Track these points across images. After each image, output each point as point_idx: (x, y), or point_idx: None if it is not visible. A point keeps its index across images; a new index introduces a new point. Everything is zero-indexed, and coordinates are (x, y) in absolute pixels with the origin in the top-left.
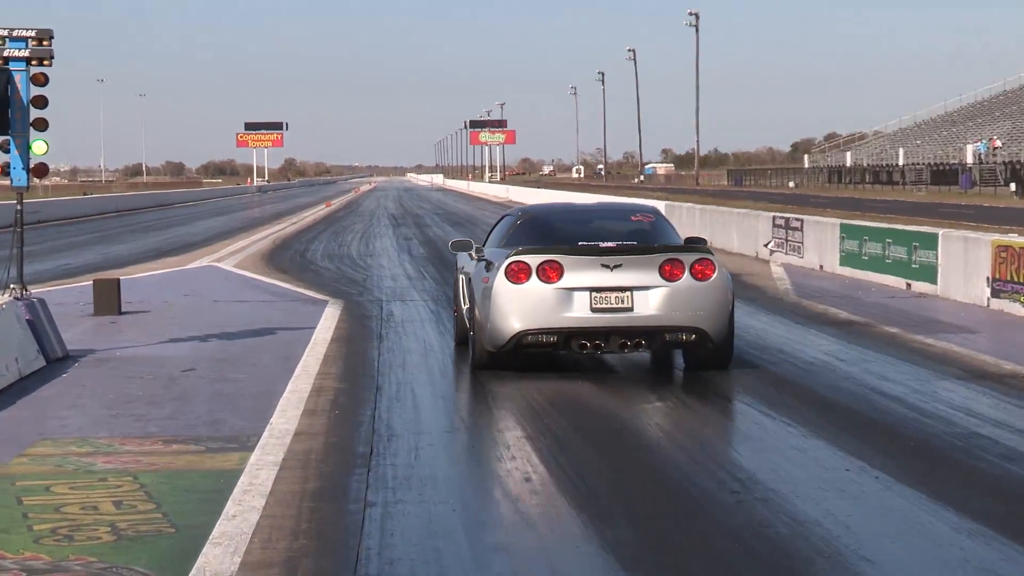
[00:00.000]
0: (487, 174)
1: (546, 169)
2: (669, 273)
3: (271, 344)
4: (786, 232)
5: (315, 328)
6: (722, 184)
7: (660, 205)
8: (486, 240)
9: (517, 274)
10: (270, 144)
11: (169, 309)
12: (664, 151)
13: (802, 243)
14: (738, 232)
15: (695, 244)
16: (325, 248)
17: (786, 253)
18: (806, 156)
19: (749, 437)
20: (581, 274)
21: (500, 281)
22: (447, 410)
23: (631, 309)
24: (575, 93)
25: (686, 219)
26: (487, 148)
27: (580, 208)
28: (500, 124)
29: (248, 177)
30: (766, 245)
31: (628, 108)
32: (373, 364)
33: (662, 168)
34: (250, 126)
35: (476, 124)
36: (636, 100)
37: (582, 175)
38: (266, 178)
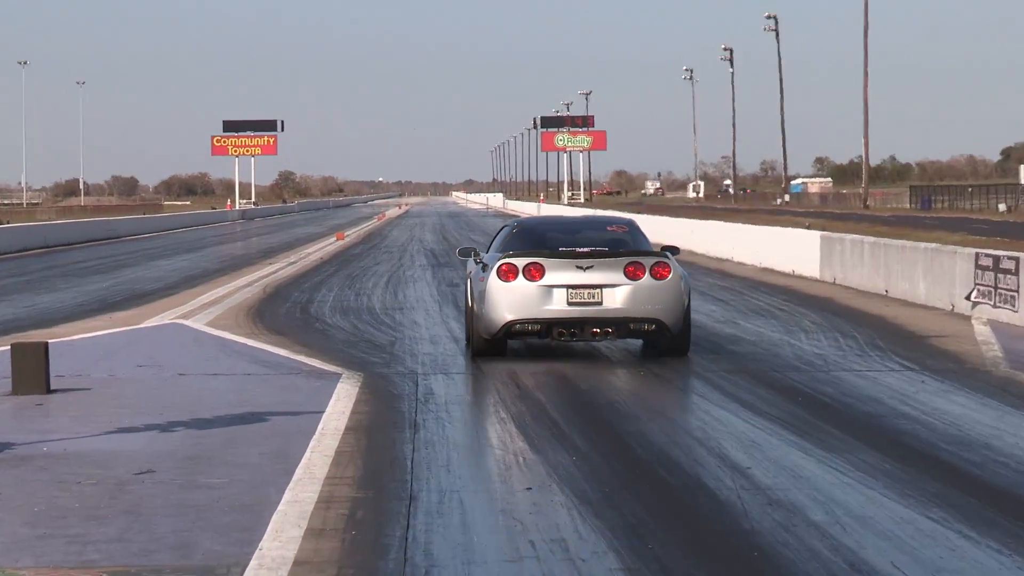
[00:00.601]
0: (566, 193)
1: (650, 186)
2: (632, 273)
3: (261, 435)
4: (995, 276)
5: (323, 413)
6: (902, 207)
7: (812, 238)
8: (489, 248)
9: (507, 273)
10: (258, 151)
11: (117, 385)
12: (818, 160)
13: (1018, 291)
14: (926, 276)
15: (653, 251)
16: (337, 298)
17: (995, 306)
18: (1022, 168)
19: None
20: (559, 274)
21: (493, 279)
22: (510, 530)
23: (600, 303)
24: (692, 78)
25: (850, 256)
26: (566, 156)
27: (565, 220)
28: (584, 122)
29: (228, 198)
30: (968, 297)
31: (760, 102)
32: (405, 464)
33: (815, 184)
34: (231, 126)
35: (550, 122)
36: (779, 87)
37: (701, 194)
38: (253, 199)
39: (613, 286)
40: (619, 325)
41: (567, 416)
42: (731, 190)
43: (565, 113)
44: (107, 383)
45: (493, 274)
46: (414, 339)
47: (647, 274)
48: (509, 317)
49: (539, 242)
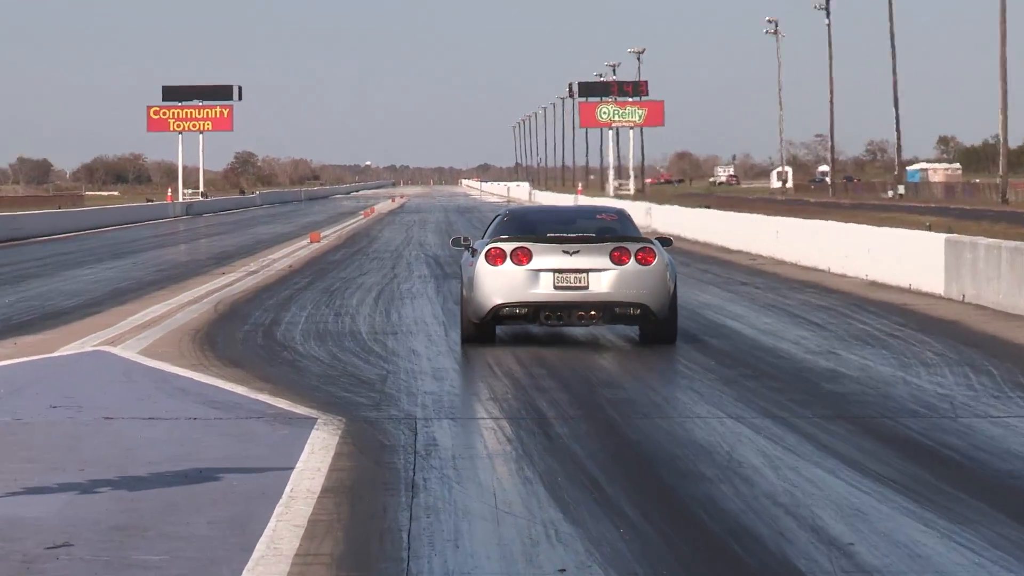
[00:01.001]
0: (611, 182)
1: (721, 173)
2: (617, 259)
3: (211, 499)
4: None
5: (292, 470)
6: None
7: (935, 243)
8: (483, 236)
9: (495, 258)
10: (209, 126)
11: (24, 432)
12: (943, 142)
13: None
14: None
15: (639, 237)
16: (311, 319)
17: None
18: None
19: None
20: (546, 258)
21: (481, 263)
22: None
23: (587, 287)
24: (776, 32)
25: (984, 267)
26: (611, 134)
27: (555, 208)
28: (636, 89)
29: (169, 187)
30: None
31: (866, 65)
32: (399, 538)
33: (939, 171)
34: (173, 94)
35: (591, 89)
36: (890, 44)
37: (789, 183)
38: (202, 189)
39: (599, 270)
40: (605, 309)
41: (611, 474)
42: (828, 178)
43: (611, 78)
44: (10, 429)
45: (481, 258)
46: (412, 373)
47: (632, 259)
48: (497, 300)
49: (529, 229)
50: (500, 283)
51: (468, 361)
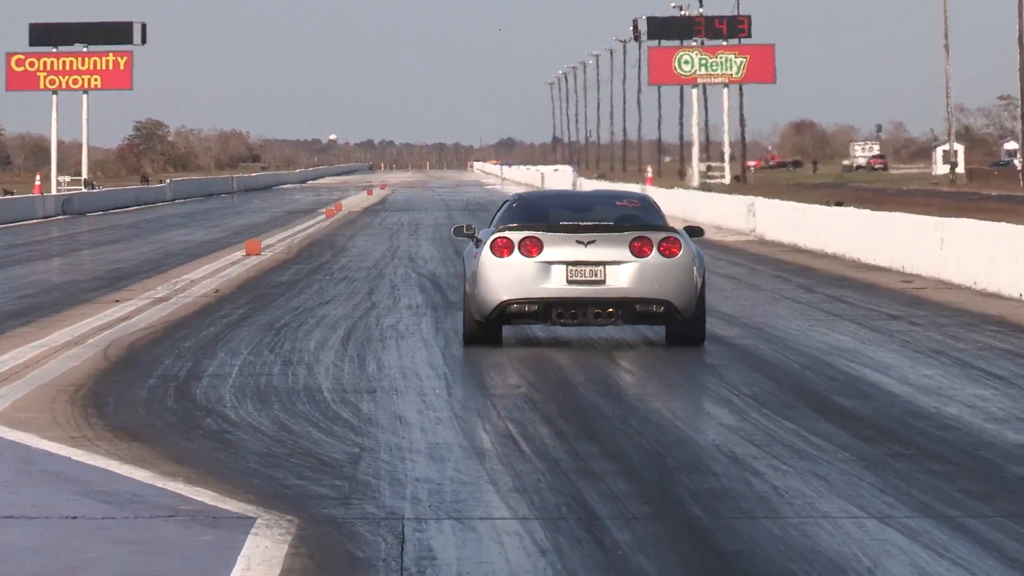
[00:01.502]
0: (695, 165)
1: (860, 153)
2: (638, 250)
3: None
4: None
5: None
6: None
7: None
8: (489, 225)
9: (501, 248)
10: (97, 82)
11: None
12: None
13: None
14: None
15: (663, 226)
16: (247, 370)
17: None
18: None
19: None
20: (558, 249)
21: (486, 254)
22: None
23: (603, 282)
24: None
25: None
26: (696, 94)
27: (569, 193)
28: (732, 29)
29: (38, 172)
30: None
31: None
32: None
33: None
34: (44, 35)
35: (665, 29)
36: None
37: (959, 167)
38: (85, 176)
39: (617, 263)
40: (624, 306)
41: None
42: (1018, 160)
43: (695, 12)
44: None
45: (486, 249)
46: (398, 451)
47: (654, 251)
48: (503, 296)
49: (540, 216)
50: (507, 277)
51: (485, 426)
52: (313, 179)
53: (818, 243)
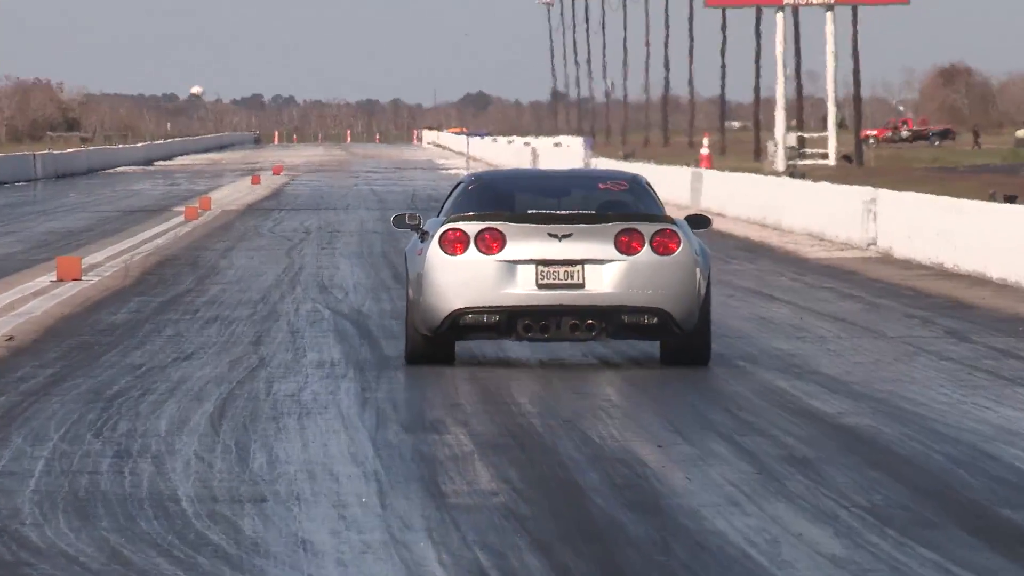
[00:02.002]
0: (780, 137)
1: None
2: (626, 245)
3: None
4: None
5: None
6: None
7: None
8: (438, 214)
9: (453, 244)
10: None
11: None
12: None
13: None
14: None
15: (657, 215)
16: (57, 467)
17: None
18: None
19: None
20: (525, 244)
21: (434, 251)
22: None
23: (582, 286)
24: None
25: None
26: (779, 21)
27: (540, 174)
28: None
29: None
30: None
31: None
32: None
33: None
34: None
35: None
36: None
37: None
38: None
39: (600, 262)
40: (608, 317)
41: None
42: None
43: None
44: None
45: (435, 244)
46: None
47: (646, 246)
48: (456, 304)
49: (503, 203)
50: (461, 280)
51: (442, 557)
52: (165, 158)
53: (977, 263)
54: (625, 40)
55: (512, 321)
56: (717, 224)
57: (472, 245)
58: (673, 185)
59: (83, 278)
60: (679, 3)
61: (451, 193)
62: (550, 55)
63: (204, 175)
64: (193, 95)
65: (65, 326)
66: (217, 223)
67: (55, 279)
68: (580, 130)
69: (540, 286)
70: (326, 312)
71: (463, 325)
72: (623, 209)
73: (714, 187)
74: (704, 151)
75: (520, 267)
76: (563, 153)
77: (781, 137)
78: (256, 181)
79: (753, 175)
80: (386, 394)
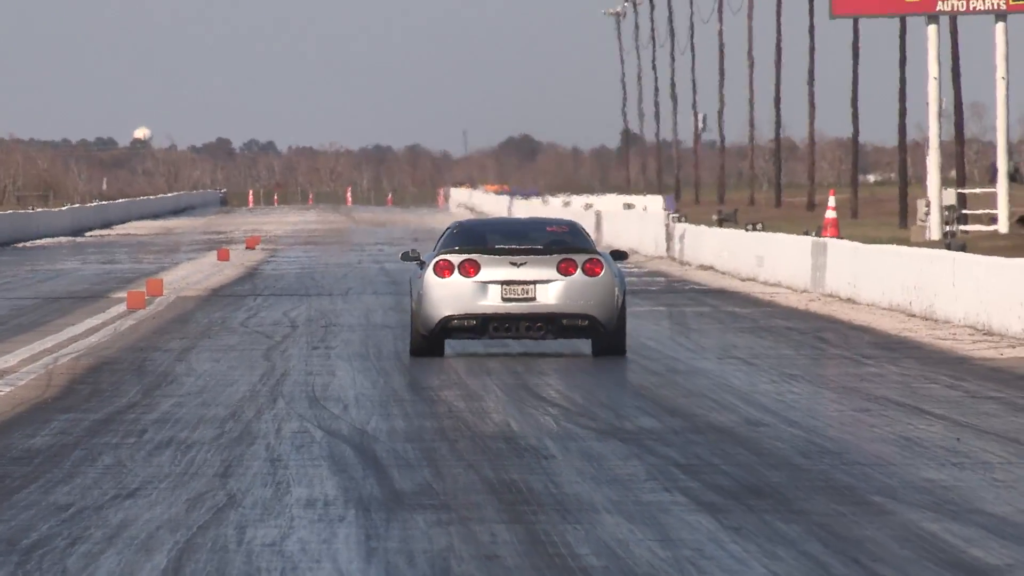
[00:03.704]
0: (933, 193)
1: None
2: (564, 270)
3: None
4: None
5: None
6: None
7: None
8: (433, 250)
9: (443, 270)
10: None
11: None
12: None
13: None
14: None
15: (586, 248)
16: None
17: None
18: None
19: None
20: (494, 270)
21: (429, 275)
22: None
23: (534, 299)
24: None
25: None
26: (930, 35)
27: (504, 220)
28: None
29: None
30: None
31: None
32: None
33: None
34: None
35: None
36: None
37: None
38: None
39: (546, 282)
40: (552, 321)
41: None
42: None
43: None
44: None
45: (430, 270)
46: None
47: (579, 270)
48: (445, 312)
49: (478, 241)
50: (448, 295)
51: None
52: (100, 226)
53: None
54: (722, 62)
55: (485, 324)
56: (845, 314)
57: (456, 271)
58: (788, 261)
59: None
60: (794, 12)
61: (442, 236)
62: (620, 84)
63: (153, 249)
64: (137, 140)
65: None
66: (171, 314)
67: None
68: (659, 185)
69: (504, 299)
70: (318, 433)
71: (450, 327)
72: (564, 245)
73: (843, 262)
74: (830, 214)
75: (490, 286)
76: (636, 219)
77: (935, 194)
78: (224, 257)
79: (896, 246)
80: (399, 543)
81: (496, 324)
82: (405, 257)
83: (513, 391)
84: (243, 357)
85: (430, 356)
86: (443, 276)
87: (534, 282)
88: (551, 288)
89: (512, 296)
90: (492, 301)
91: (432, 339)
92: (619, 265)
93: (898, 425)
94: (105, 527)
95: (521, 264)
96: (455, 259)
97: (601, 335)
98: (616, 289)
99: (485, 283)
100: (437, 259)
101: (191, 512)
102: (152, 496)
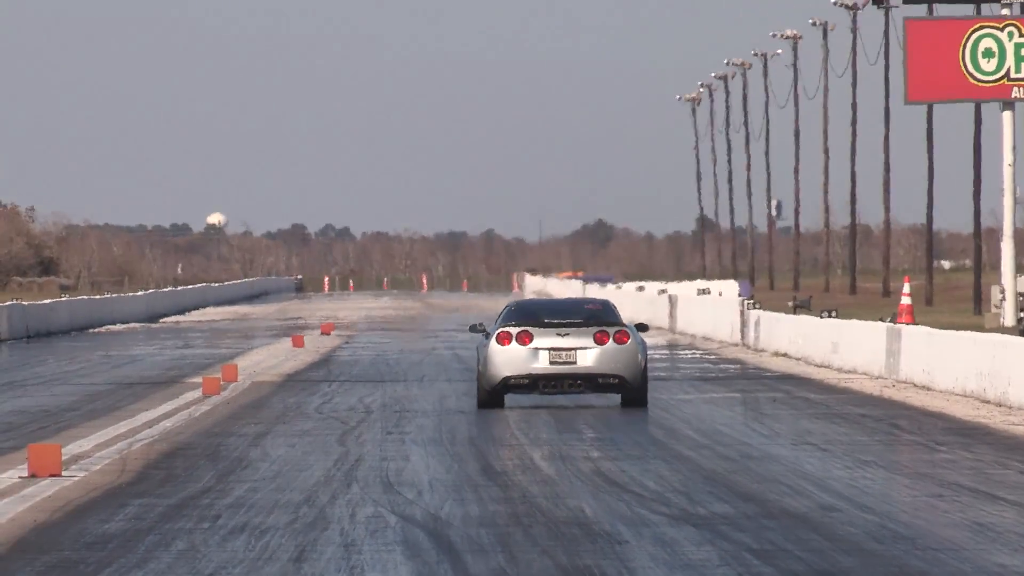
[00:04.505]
0: (1008, 280)
1: None
2: (599, 339)
3: None
4: None
5: None
6: None
7: None
8: (495, 323)
9: (504, 339)
10: None
11: None
12: None
13: None
14: None
15: (616, 321)
16: None
17: None
18: None
19: None
20: (544, 339)
21: (493, 344)
22: None
23: (575, 362)
24: None
25: None
26: (1006, 121)
27: (552, 300)
28: None
29: None
30: None
31: None
32: None
33: None
34: None
35: None
36: None
37: None
38: None
39: (585, 348)
40: (589, 380)
41: None
42: None
43: None
44: None
45: (493, 340)
46: None
47: (611, 340)
48: (505, 373)
49: (531, 316)
50: (508, 359)
51: None
52: (174, 312)
53: None
54: (797, 148)
55: (536, 383)
56: (920, 400)
57: (514, 340)
58: (862, 347)
59: (64, 473)
60: (870, 99)
61: (502, 312)
62: (696, 170)
63: (228, 335)
64: (211, 226)
65: (39, 538)
66: (246, 399)
67: (26, 475)
68: (733, 271)
69: (551, 363)
70: (392, 518)
71: (509, 385)
72: (598, 319)
73: (917, 349)
74: (905, 300)
75: (540, 352)
76: (711, 305)
77: (1009, 281)
78: (299, 343)
79: (970, 333)
80: None
81: (544, 382)
82: (473, 329)
83: (587, 477)
84: (318, 442)
85: (492, 407)
86: (503, 344)
87: (575, 349)
88: (589, 354)
89: (558, 360)
90: (542, 364)
91: (494, 394)
92: (642, 335)
93: (971, 511)
94: None
95: (565, 335)
96: (513, 331)
97: (628, 390)
98: (639, 355)
99: (536, 350)
100: (499, 331)
101: None
102: None
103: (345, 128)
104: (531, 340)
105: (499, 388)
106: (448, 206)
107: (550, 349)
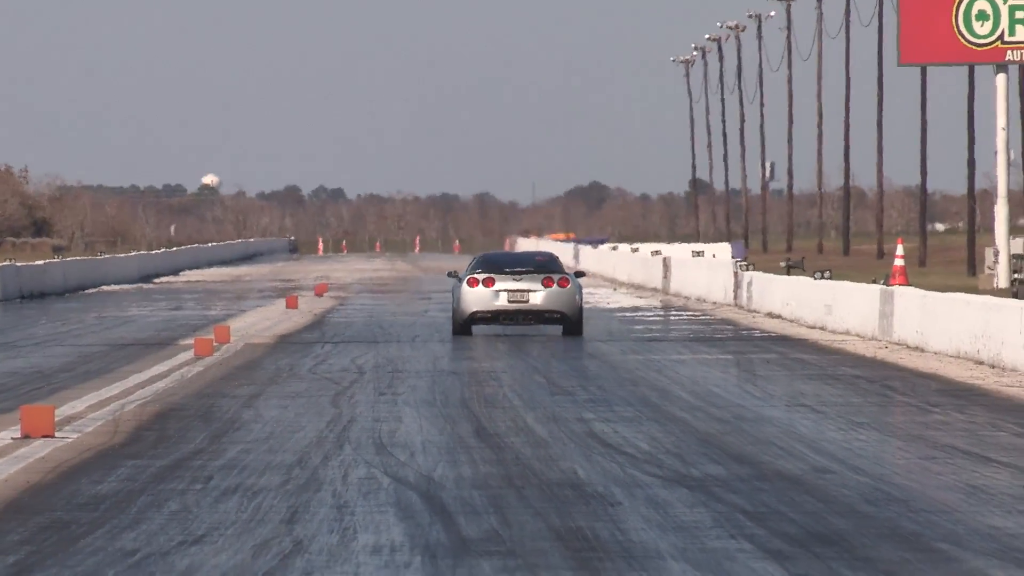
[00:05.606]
0: (1002, 241)
1: None
2: (546, 283)
3: None
4: None
5: None
6: None
7: None
8: (466, 270)
9: (472, 283)
10: None
11: None
12: None
13: None
14: None
15: (560, 269)
16: None
17: None
18: None
19: None
20: (503, 283)
21: (463, 286)
22: None
23: (527, 301)
24: None
25: None
26: (1000, 84)
27: (511, 253)
28: None
29: None
30: None
31: None
32: None
33: None
34: None
35: None
36: None
37: None
38: None
39: (535, 291)
40: (538, 315)
41: None
42: None
43: None
44: None
45: (464, 283)
46: None
47: (555, 284)
48: (473, 309)
49: (494, 265)
50: (475, 298)
51: None
52: (167, 272)
53: None
54: (791, 110)
55: (496, 316)
56: (913, 362)
57: (480, 283)
58: (856, 309)
59: (56, 434)
60: (863, 60)
61: (471, 262)
62: (689, 131)
63: (221, 296)
64: (206, 187)
65: (32, 499)
66: (238, 361)
67: (18, 436)
68: (727, 233)
69: (509, 301)
70: (385, 479)
71: (476, 318)
72: (546, 268)
73: (911, 310)
74: (898, 262)
75: (501, 293)
76: (705, 267)
77: (1003, 243)
78: (292, 304)
79: (963, 295)
80: None
81: (504, 316)
82: (450, 275)
83: (580, 438)
84: (310, 404)
85: (463, 335)
86: (472, 286)
87: (527, 291)
88: (538, 295)
89: (514, 299)
90: (502, 302)
91: (464, 324)
92: (579, 280)
93: (964, 473)
94: (171, 573)
95: (519, 279)
96: (480, 276)
97: (568, 323)
98: (576, 295)
99: (498, 291)
100: (468, 276)
101: (257, 558)
102: (218, 543)
103: (339, 90)
104: (493, 284)
105: (468, 320)
106: (442, 168)
107: (508, 290)
